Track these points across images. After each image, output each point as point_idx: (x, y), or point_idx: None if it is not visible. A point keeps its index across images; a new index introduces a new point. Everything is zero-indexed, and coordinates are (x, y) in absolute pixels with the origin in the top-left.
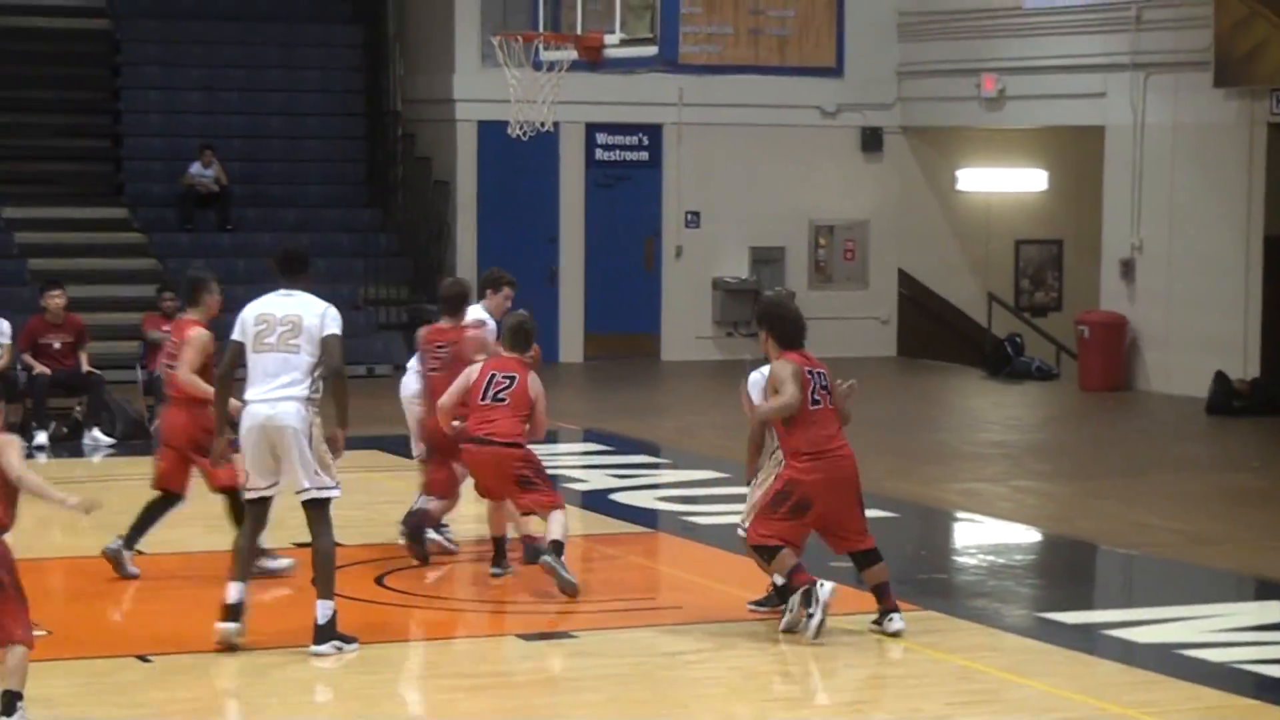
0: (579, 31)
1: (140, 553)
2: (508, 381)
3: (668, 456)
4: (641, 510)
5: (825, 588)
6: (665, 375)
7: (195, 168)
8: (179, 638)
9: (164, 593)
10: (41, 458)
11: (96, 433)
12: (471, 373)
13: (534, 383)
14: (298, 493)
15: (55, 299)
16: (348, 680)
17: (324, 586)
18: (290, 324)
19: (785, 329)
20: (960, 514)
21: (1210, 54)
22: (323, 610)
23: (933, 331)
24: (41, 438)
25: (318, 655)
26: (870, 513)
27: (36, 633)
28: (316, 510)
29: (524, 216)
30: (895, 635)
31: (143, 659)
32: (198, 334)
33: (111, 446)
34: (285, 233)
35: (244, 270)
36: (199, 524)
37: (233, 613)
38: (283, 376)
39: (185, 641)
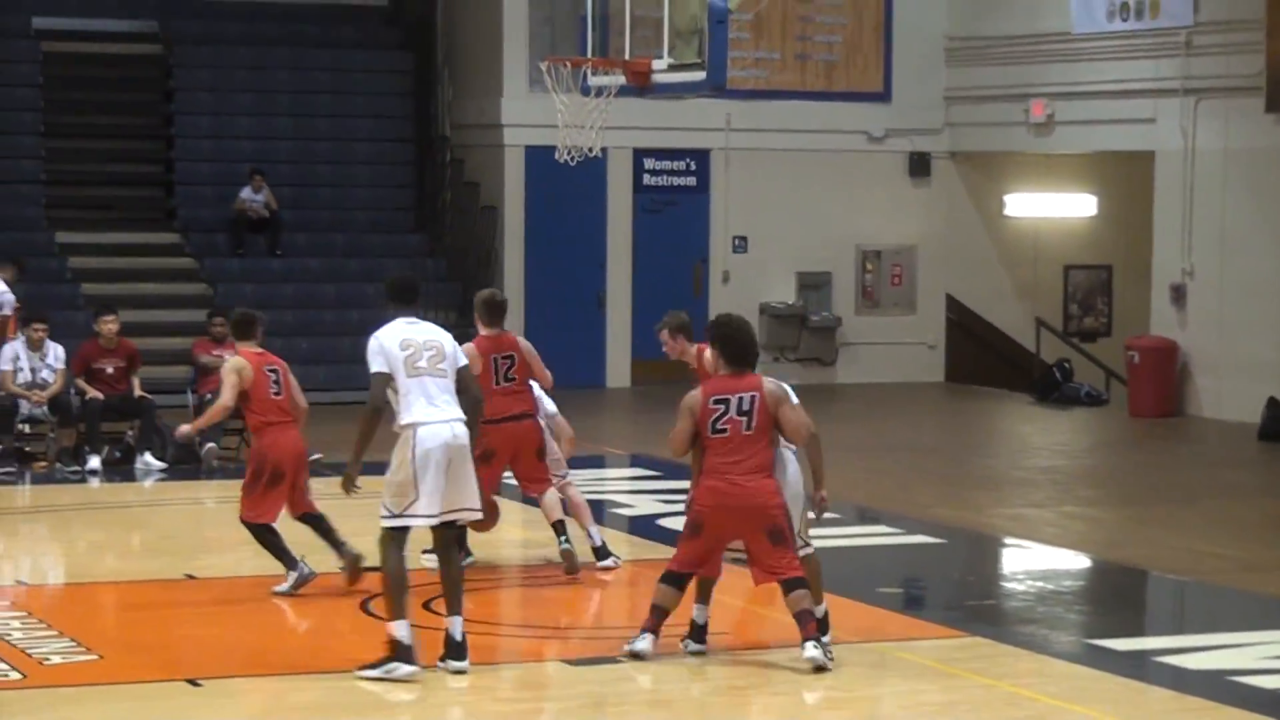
0: (627, 57)
1: (191, 576)
2: (509, 362)
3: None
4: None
5: (643, 641)
6: None
7: (246, 192)
8: (229, 662)
9: (214, 617)
10: (94, 482)
11: (148, 457)
12: (474, 365)
13: (523, 346)
14: (450, 513)
15: (109, 324)
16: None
17: (458, 603)
18: (434, 349)
19: (730, 349)
20: (1009, 540)
21: (1262, 79)
22: (459, 626)
23: (980, 357)
24: (94, 462)
25: (459, 672)
26: (917, 539)
27: (87, 657)
28: (456, 532)
29: (571, 241)
30: (814, 667)
31: (193, 683)
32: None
33: (163, 471)
34: (334, 259)
35: (293, 295)
36: (249, 548)
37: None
38: (445, 397)
39: (235, 665)
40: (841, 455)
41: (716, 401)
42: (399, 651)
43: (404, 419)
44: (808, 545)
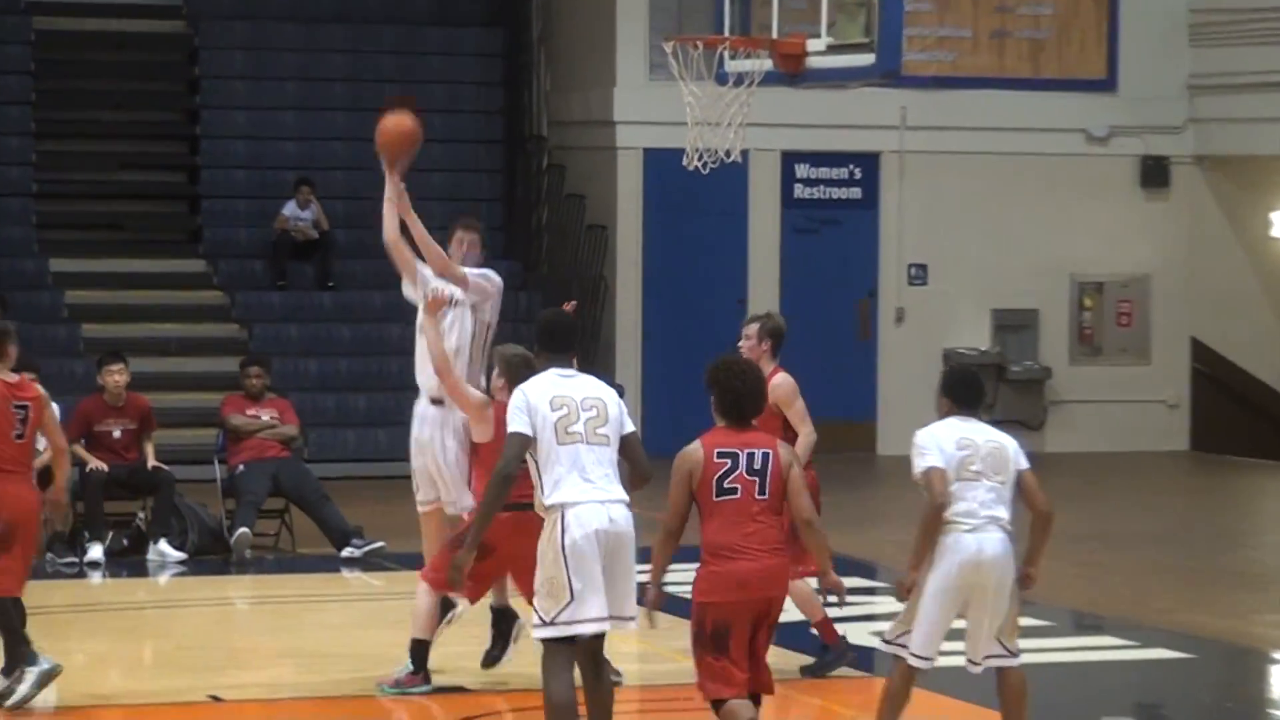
0: (775, 35)
1: (216, 698)
2: None
3: (887, 579)
4: (855, 648)
5: None
6: (884, 473)
7: (290, 208)
8: None
9: None
10: (96, 576)
11: (164, 545)
12: None
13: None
14: (613, 619)
15: (115, 375)
16: None
17: None
18: (594, 409)
19: (725, 399)
20: (1278, 655)
21: None
22: None
23: (1237, 418)
24: (96, 551)
25: None
26: (1158, 652)
27: None
28: (600, 642)
29: (703, 271)
30: None
31: None
32: None
33: (181, 563)
34: (400, 291)
35: (349, 339)
36: (289, 661)
37: None
38: (604, 471)
39: None
40: (1053, 546)
41: (722, 455)
42: None
43: (550, 498)
44: (1013, 655)
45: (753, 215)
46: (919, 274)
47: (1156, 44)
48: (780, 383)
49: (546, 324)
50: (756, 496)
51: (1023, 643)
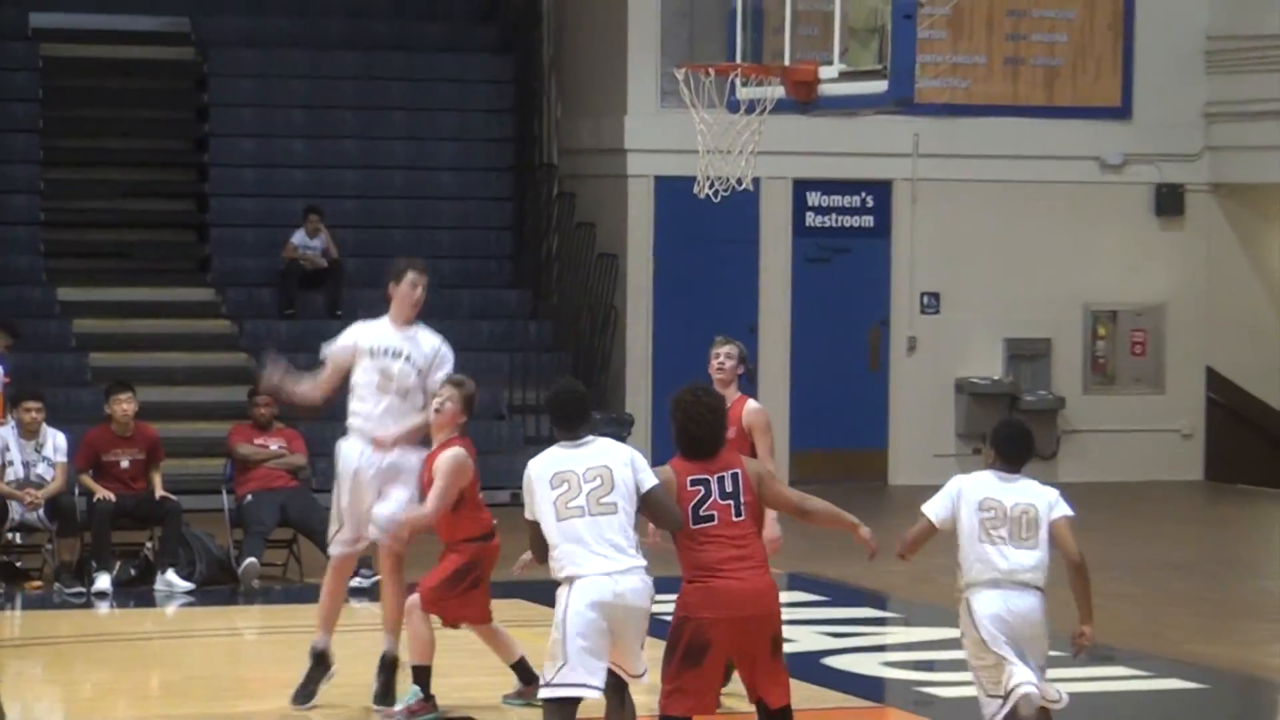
0: (787, 62)
1: None
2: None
3: (898, 609)
4: (863, 679)
5: None
6: (894, 504)
7: (299, 237)
8: None
9: None
10: (103, 606)
11: (171, 575)
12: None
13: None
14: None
15: (123, 405)
16: None
17: None
18: (598, 479)
19: (681, 439)
20: None
21: None
22: None
23: (1252, 448)
24: (103, 582)
25: None
26: (1171, 683)
27: None
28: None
29: (714, 300)
30: None
31: None
32: None
33: (189, 593)
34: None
35: None
36: None
37: None
38: (613, 540)
39: None
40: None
41: (695, 483)
42: None
43: (558, 573)
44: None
45: (764, 243)
46: (931, 302)
47: (1171, 72)
48: (757, 410)
49: (553, 402)
50: (734, 519)
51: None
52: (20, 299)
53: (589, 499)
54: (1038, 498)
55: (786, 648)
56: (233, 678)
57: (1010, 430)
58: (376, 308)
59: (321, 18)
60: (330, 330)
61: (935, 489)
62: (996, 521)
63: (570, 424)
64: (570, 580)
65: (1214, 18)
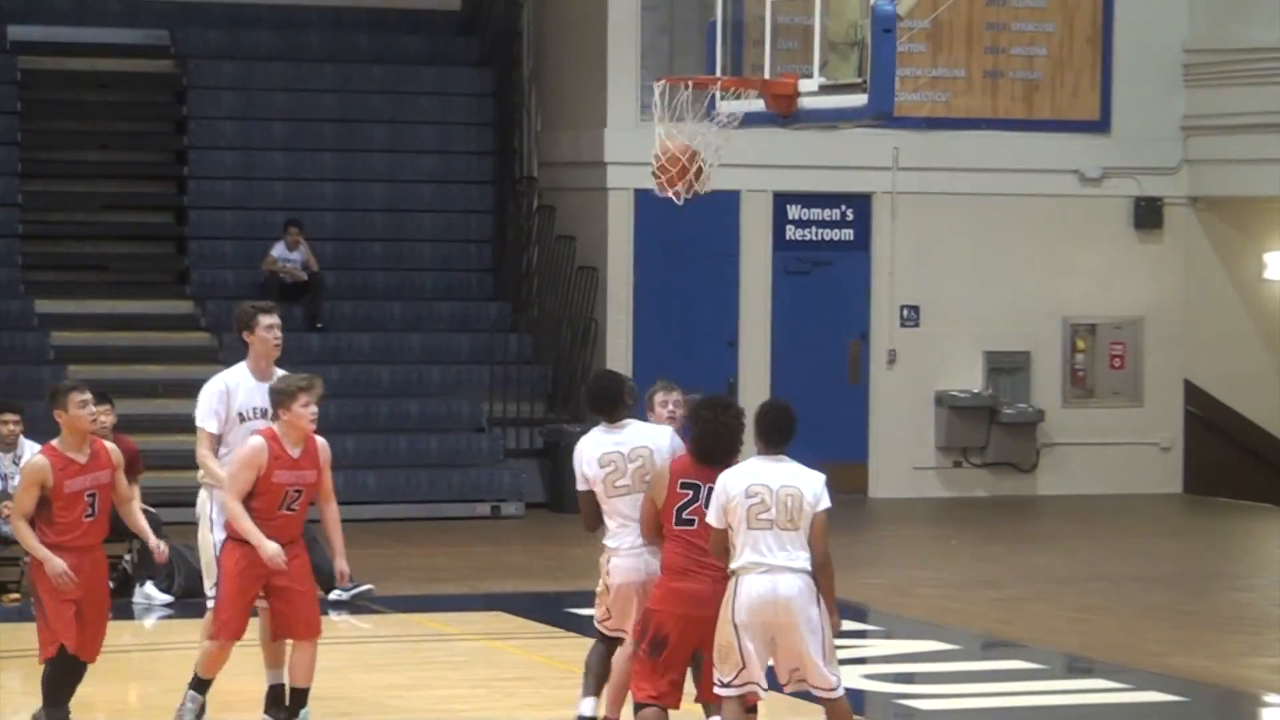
0: (767, 76)
1: None
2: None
3: (878, 622)
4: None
5: None
6: (874, 517)
7: (278, 249)
8: None
9: None
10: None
11: (150, 588)
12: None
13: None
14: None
15: (102, 417)
16: None
17: None
18: (640, 459)
19: (698, 444)
20: (1273, 699)
21: None
22: None
23: (1231, 461)
24: None
25: None
26: (1150, 695)
27: None
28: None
29: (694, 312)
30: None
31: None
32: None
33: (168, 606)
34: (391, 333)
35: (338, 380)
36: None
37: None
38: None
39: None
40: (1044, 588)
41: (685, 485)
42: None
43: (608, 541)
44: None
45: (744, 256)
46: (911, 315)
47: (1150, 85)
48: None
49: (591, 391)
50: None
51: (1015, 685)
52: None
53: (634, 478)
54: (804, 483)
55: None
56: (212, 690)
57: (770, 412)
58: (355, 321)
59: (301, 30)
60: (310, 343)
61: (915, 501)
62: (763, 506)
63: (606, 409)
64: (611, 554)
65: (1192, 31)
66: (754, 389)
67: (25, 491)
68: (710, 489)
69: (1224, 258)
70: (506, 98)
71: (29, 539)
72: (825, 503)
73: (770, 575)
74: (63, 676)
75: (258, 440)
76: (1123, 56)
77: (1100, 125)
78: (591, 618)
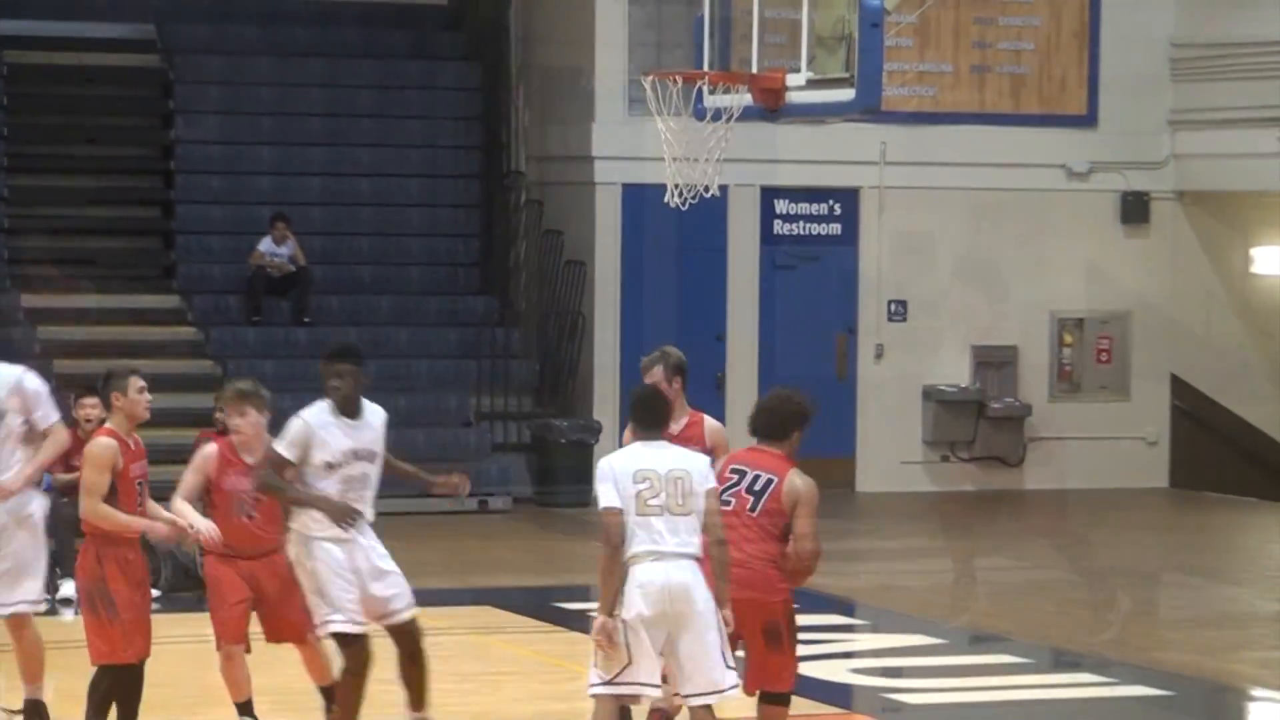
0: (754, 70)
1: None
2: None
3: (865, 616)
4: (831, 685)
5: None
6: (862, 511)
7: (265, 244)
8: None
9: None
10: (67, 614)
11: None
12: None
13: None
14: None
15: (89, 410)
16: None
17: None
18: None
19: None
20: (1258, 693)
21: None
22: None
23: (1218, 455)
24: (68, 588)
25: None
26: (1136, 689)
27: None
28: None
29: (682, 307)
30: None
31: None
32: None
33: (154, 600)
34: (378, 328)
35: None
36: (267, 698)
37: None
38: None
39: None
40: (1031, 582)
41: (734, 470)
42: None
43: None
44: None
45: (732, 251)
46: (898, 310)
47: (1137, 79)
48: (719, 428)
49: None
50: (747, 511)
51: (1002, 679)
52: None
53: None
54: (689, 464)
55: None
56: (198, 684)
57: (642, 397)
58: (343, 315)
59: (288, 25)
60: (297, 337)
61: (903, 496)
62: (652, 491)
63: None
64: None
65: (1179, 26)
66: (742, 383)
67: (99, 474)
68: (756, 476)
69: (1211, 252)
70: (494, 92)
71: (116, 516)
72: (710, 482)
73: (662, 563)
74: (120, 689)
75: (209, 447)
76: (1110, 51)
77: (1087, 120)
78: (578, 611)
